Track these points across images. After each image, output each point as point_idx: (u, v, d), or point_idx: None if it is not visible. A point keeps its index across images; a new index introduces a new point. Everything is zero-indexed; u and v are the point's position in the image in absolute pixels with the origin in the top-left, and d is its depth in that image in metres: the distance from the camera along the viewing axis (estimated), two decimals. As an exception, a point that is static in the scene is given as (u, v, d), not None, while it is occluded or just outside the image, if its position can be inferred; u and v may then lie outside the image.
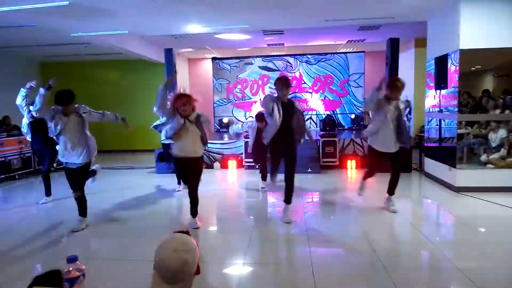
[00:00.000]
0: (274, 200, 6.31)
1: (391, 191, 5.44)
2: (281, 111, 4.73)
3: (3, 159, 8.33)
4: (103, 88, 13.05)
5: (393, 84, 5.07)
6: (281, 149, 4.91)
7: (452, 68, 6.58)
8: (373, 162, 5.52)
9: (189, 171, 4.82)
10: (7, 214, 5.98)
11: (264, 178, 7.16)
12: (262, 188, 7.07)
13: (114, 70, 13.08)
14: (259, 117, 6.90)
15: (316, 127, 12.32)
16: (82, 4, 6.22)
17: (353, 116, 12.28)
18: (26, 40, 9.18)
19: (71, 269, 1.43)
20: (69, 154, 4.76)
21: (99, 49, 10.27)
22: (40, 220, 5.61)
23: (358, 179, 5.64)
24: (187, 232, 1.68)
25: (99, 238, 4.73)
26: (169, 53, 9.71)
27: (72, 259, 1.45)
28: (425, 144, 8.01)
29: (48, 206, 6.26)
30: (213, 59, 13.16)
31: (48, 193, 6.42)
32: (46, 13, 6.56)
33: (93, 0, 6.11)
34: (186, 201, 4.96)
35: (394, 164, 5.33)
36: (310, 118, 12.63)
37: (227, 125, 12.68)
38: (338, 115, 12.44)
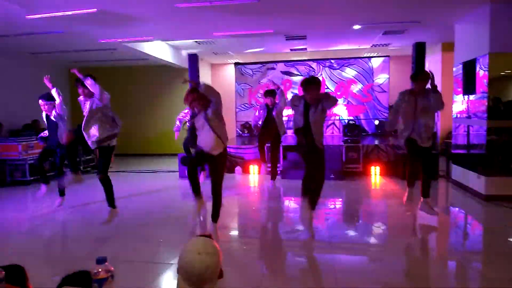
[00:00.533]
0: (295, 205, 6.26)
1: (425, 193, 5.12)
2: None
3: (32, 161, 8.56)
4: (127, 93, 13.27)
5: (416, 77, 5.05)
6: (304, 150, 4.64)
7: (481, 72, 6.41)
8: (413, 160, 5.25)
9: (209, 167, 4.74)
10: (34, 215, 6.13)
11: (273, 177, 7.28)
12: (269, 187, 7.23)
13: (138, 75, 13.27)
14: (267, 93, 6.90)
15: (339, 133, 12.20)
16: (109, 12, 6.34)
17: (377, 122, 12.10)
18: (54, 46, 9.42)
19: (100, 270, 1.44)
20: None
21: (124, 55, 10.46)
22: (65, 222, 5.72)
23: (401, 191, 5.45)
24: (209, 236, 1.68)
25: (123, 240, 4.78)
26: (193, 58, 9.81)
27: (101, 260, 1.47)
28: (452, 151, 7.81)
29: (73, 208, 6.37)
30: (236, 64, 13.22)
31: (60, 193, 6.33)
32: (75, 20, 6.72)
33: (120, 8, 6.22)
34: (208, 205, 4.95)
35: (426, 161, 5.11)
36: (333, 123, 12.52)
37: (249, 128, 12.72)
38: (362, 120, 12.29)
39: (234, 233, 5.16)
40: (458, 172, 7.43)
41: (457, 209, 6.30)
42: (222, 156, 4.60)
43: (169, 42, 9.84)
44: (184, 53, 10.94)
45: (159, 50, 10.09)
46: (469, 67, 6.75)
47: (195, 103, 4.43)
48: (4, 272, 1.43)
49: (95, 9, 6.16)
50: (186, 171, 5.30)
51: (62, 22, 6.90)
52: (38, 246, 4.58)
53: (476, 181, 6.55)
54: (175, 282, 1.56)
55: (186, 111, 7.45)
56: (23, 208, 6.80)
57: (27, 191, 7.92)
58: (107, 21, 6.95)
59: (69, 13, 6.26)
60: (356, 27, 7.70)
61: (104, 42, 8.69)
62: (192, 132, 4.88)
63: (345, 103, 12.50)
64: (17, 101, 10.54)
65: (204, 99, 4.43)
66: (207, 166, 4.91)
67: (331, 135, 12.42)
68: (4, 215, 6.24)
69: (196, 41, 9.49)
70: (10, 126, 9.98)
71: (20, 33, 7.72)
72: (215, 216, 4.70)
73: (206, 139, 4.50)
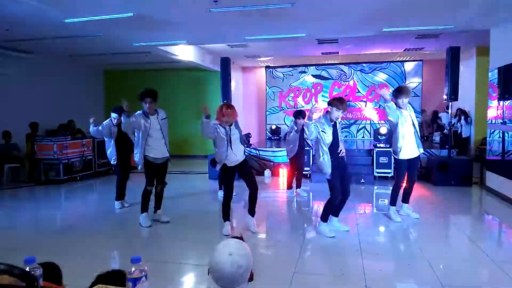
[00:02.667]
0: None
1: (406, 198, 5.62)
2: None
3: (66, 161, 8.89)
4: (160, 94, 13.53)
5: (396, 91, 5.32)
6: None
7: (518, 78, 6.27)
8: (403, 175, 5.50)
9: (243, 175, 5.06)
10: (68, 213, 6.37)
11: (289, 186, 7.35)
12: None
13: (171, 78, 13.55)
14: (297, 113, 6.87)
15: (370, 137, 12.09)
16: (145, 16, 6.55)
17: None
18: (92, 49, 9.76)
19: (134, 269, 1.48)
20: None
21: (158, 58, 10.73)
22: (99, 220, 5.93)
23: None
24: (241, 238, 1.69)
25: (156, 241, 4.94)
26: (225, 61, 9.94)
27: (136, 260, 1.49)
28: (487, 157, 7.64)
29: (106, 207, 6.60)
30: (267, 67, 13.32)
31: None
32: (112, 24, 6.96)
33: (156, 12, 6.42)
34: (237, 206, 5.06)
35: (413, 171, 5.50)
36: (364, 127, 12.42)
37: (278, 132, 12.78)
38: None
39: (263, 235, 5.23)
40: (493, 179, 7.26)
41: (490, 216, 6.16)
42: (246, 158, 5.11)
43: (202, 45, 10.03)
44: (216, 56, 11.11)
45: (191, 53, 10.30)
46: (505, 72, 6.60)
47: (234, 116, 4.83)
48: (42, 269, 1.44)
49: (132, 13, 6.37)
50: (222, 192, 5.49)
51: (100, 26, 7.15)
52: (71, 244, 4.74)
53: (511, 188, 6.40)
54: (207, 283, 1.58)
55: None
56: (56, 206, 7.05)
57: (61, 190, 8.21)
58: (143, 25, 7.16)
59: (107, 17, 6.50)
60: (387, 29, 7.65)
61: (139, 45, 8.95)
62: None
63: (377, 107, 12.39)
64: (53, 101, 10.92)
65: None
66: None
67: (362, 139, 12.32)
68: (38, 214, 6.52)
69: (228, 45, 9.65)
70: (46, 126, 10.26)
71: (58, 36, 8.01)
72: (253, 210, 5.08)
73: (239, 150, 4.91)
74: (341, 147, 4.81)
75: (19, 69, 9.83)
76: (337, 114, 4.67)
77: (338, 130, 4.82)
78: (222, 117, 4.78)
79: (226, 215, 5.01)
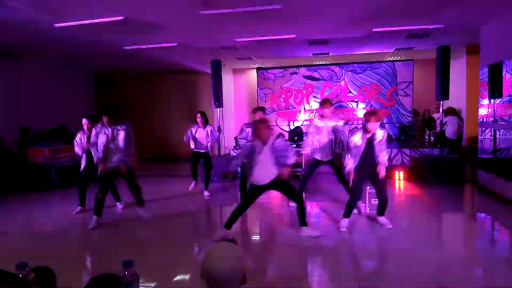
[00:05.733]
0: (319, 210, 6.26)
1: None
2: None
3: (58, 165, 8.78)
4: (151, 97, 13.50)
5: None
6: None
7: (508, 76, 6.30)
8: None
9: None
10: (59, 217, 6.29)
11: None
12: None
13: (162, 80, 13.49)
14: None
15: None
16: (135, 19, 6.50)
17: (400, 126, 11.96)
18: (81, 52, 9.67)
19: (126, 273, 1.47)
20: None
21: (148, 61, 10.66)
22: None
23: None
24: (233, 241, 1.69)
25: (149, 244, 4.88)
26: (215, 64, 9.90)
27: (128, 264, 1.49)
28: (479, 155, 7.67)
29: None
30: (258, 69, 13.29)
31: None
32: (102, 27, 6.90)
33: (146, 15, 6.38)
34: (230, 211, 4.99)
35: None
36: (356, 127, 12.43)
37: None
38: (385, 124, 12.17)
39: (256, 237, 5.20)
40: (484, 177, 7.29)
41: (484, 214, 6.18)
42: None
43: (192, 47, 9.98)
44: (207, 58, 11.07)
45: (181, 55, 10.24)
46: (495, 70, 6.64)
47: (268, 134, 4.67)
48: (34, 274, 1.44)
49: (121, 17, 6.32)
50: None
51: (90, 30, 7.09)
52: (64, 249, 4.70)
53: (503, 186, 6.42)
54: (199, 286, 1.57)
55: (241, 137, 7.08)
56: (49, 211, 6.95)
57: (53, 195, 8.11)
58: (133, 29, 7.11)
59: (98, 21, 6.44)
60: (377, 29, 7.66)
61: (129, 48, 8.89)
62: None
63: (368, 107, 12.41)
64: (44, 106, 10.77)
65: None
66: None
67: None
68: (31, 218, 6.44)
69: (219, 47, 9.61)
70: (37, 131, 10.10)
71: (48, 40, 7.95)
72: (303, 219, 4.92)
73: (270, 171, 4.69)
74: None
75: (8, 73, 9.69)
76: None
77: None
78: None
79: (230, 225, 4.84)
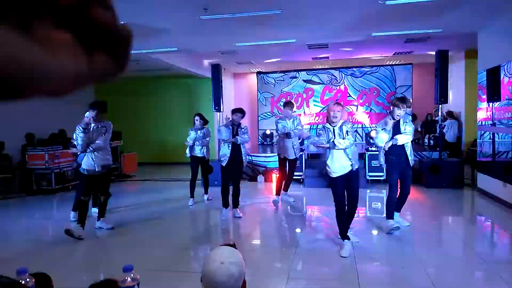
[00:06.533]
0: (319, 214, 6.29)
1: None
2: None
3: (58, 170, 8.80)
4: (151, 102, 13.54)
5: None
6: None
7: (505, 79, 6.35)
8: None
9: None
10: (60, 223, 6.30)
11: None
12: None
13: (162, 85, 13.54)
14: None
15: (362, 140, 12.13)
16: (135, 24, 6.54)
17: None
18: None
19: (127, 278, 1.47)
20: None
21: (148, 65, 10.72)
22: (90, 230, 5.88)
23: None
24: (233, 245, 1.67)
25: (148, 249, 4.90)
26: (216, 68, 9.95)
27: (128, 269, 1.49)
28: (478, 159, 7.70)
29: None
30: (258, 73, 13.35)
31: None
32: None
33: (146, 20, 6.42)
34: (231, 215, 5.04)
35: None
36: (356, 131, 12.46)
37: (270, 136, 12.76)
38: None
39: (257, 241, 5.23)
40: (484, 181, 7.32)
41: (483, 217, 6.21)
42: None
43: (192, 52, 10.05)
44: (207, 63, 11.13)
45: (182, 60, 10.30)
46: (494, 74, 6.69)
47: None
48: (34, 280, 1.42)
49: (122, 22, 6.35)
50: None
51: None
52: (63, 254, 4.69)
53: (502, 189, 6.46)
54: None
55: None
56: (48, 216, 6.99)
57: (53, 200, 8.12)
58: (133, 34, 7.13)
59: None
60: (376, 34, 7.72)
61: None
62: None
63: (368, 111, 12.46)
64: (44, 111, 10.77)
65: None
66: None
67: (354, 143, 12.34)
68: (30, 223, 6.45)
69: (219, 51, 9.68)
70: (37, 136, 10.09)
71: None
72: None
73: None
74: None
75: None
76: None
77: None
78: None
79: None
